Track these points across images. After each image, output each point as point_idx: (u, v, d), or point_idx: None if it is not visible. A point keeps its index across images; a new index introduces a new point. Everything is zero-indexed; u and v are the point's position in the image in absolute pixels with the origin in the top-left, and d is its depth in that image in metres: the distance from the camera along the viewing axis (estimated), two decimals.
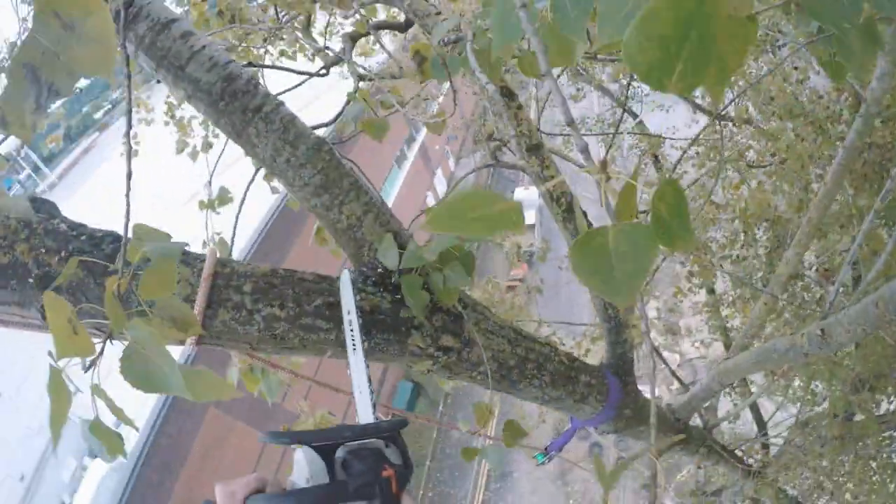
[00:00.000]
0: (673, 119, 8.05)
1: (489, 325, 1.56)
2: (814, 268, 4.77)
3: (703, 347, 8.25)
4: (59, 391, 0.66)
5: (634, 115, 6.97)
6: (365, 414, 1.16)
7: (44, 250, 1.22)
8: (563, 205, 2.34)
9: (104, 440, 0.68)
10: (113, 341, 0.75)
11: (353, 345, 1.21)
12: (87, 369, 0.78)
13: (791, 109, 5.01)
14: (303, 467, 0.88)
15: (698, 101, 6.77)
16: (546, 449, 3.21)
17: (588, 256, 0.56)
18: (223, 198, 2.68)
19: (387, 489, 0.85)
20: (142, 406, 10.42)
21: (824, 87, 5.10)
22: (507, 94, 2.05)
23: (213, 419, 11.17)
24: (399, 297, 1.28)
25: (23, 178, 18.28)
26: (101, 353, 0.80)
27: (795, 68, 5.13)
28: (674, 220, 0.56)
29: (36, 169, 19.32)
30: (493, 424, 15.77)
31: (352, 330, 1.22)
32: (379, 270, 1.31)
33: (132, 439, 10.23)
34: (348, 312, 1.26)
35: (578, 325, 6.70)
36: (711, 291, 7.95)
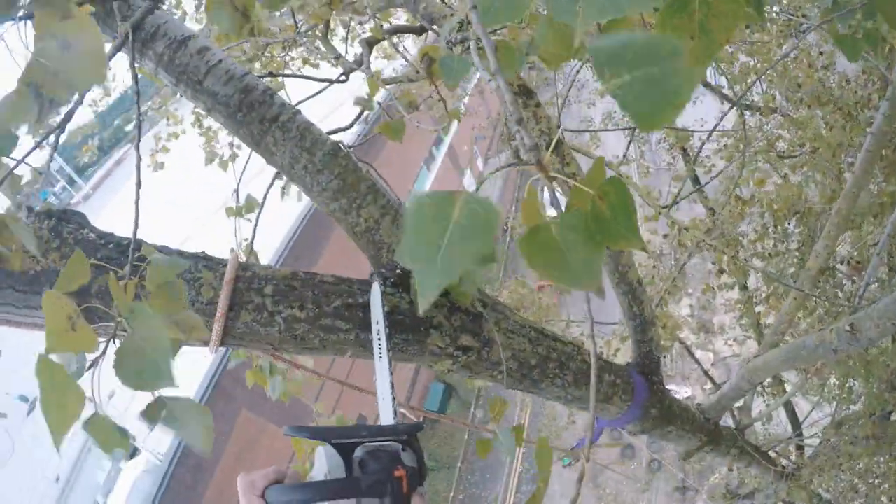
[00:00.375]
0: (701, 111, 7.90)
1: (509, 324, 1.56)
2: (845, 261, 4.65)
3: (736, 345, 8.10)
4: (62, 388, 0.68)
5: None
6: (386, 418, 1.21)
7: None
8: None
9: (103, 436, 0.70)
10: (116, 341, 0.78)
11: (380, 352, 1.25)
12: (89, 367, 0.81)
13: (819, 96, 4.89)
14: (322, 463, 0.92)
15: (725, 91, 6.65)
16: (572, 450, 3.21)
17: (538, 250, 0.57)
18: (250, 205, 2.74)
19: (397, 488, 0.89)
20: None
21: (853, 72, 4.96)
22: (525, 92, 2.05)
23: (246, 421, 11.35)
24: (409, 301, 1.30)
25: (58, 191, 18.85)
26: (104, 353, 0.83)
27: (821, 53, 5.00)
28: (618, 219, 0.57)
29: (70, 181, 19.91)
30: (525, 423, 15.76)
31: (379, 339, 1.25)
32: (398, 271, 1.33)
33: (165, 441, 10.44)
34: (377, 322, 1.30)
35: (607, 324, 6.64)
36: (744, 288, 7.80)
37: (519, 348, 1.58)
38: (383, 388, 1.17)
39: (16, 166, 1.35)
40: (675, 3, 0.69)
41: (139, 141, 0.98)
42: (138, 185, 0.95)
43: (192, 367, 10.83)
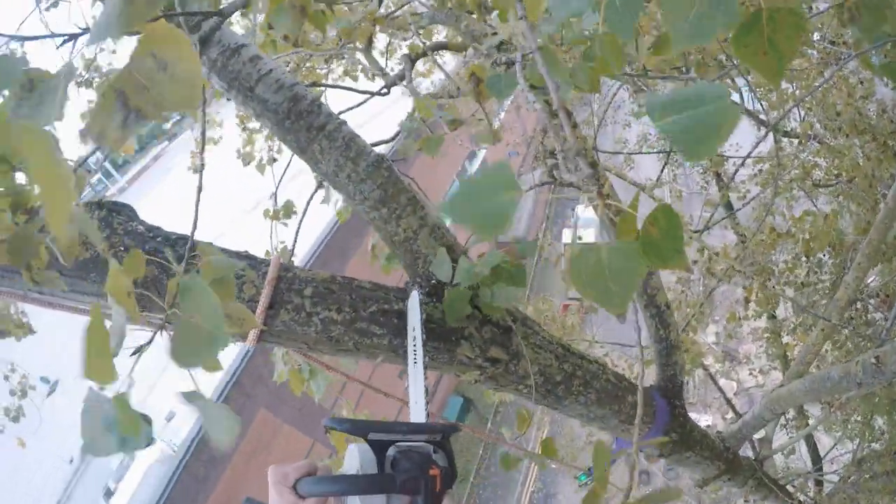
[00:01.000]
0: (737, 136, 7.84)
1: (538, 339, 1.59)
2: (874, 294, 4.56)
3: (760, 376, 7.96)
4: (102, 352, 0.70)
5: None
6: (418, 420, 1.24)
7: (122, 248, 1.33)
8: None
9: (124, 419, 0.72)
10: (164, 332, 0.82)
11: (415, 359, 1.27)
12: (133, 353, 0.85)
13: (856, 124, 4.83)
14: (355, 459, 0.94)
15: (762, 117, 6.58)
16: (589, 469, 3.19)
17: (584, 270, 0.63)
18: (288, 209, 2.82)
19: (431, 487, 0.91)
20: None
21: (891, 101, 4.90)
22: (564, 112, 2.08)
23: (262, 420, 11.46)
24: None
25: (93, 182, 19.35)
26: (151, 341, 0.87)
27: (861, 82, 4.95)
28: (666, 242, 0.62)
29: (107, 174, 20.43)
30: (538, 439, 15.51)
31: (415, 346, 1.28)
32: (433, 282, 1.36)
33: (182, 432, 10.57)
34: (413, 329, 1.33)
35: (631, 346, 6.57)
36: (772, 317, 7.67)
37: (545, 363, 1.61)
38: (416, 393, 1.19)
39: (81, 162, 1.42)
40: (746, 24, 0.77)
41: (202, 151, 1.04)
42: (199, 189, 1.00)
43: (209, 379, 10.98)
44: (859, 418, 8.37)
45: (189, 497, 10.62)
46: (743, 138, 7.61)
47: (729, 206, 7.05)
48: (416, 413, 1.17)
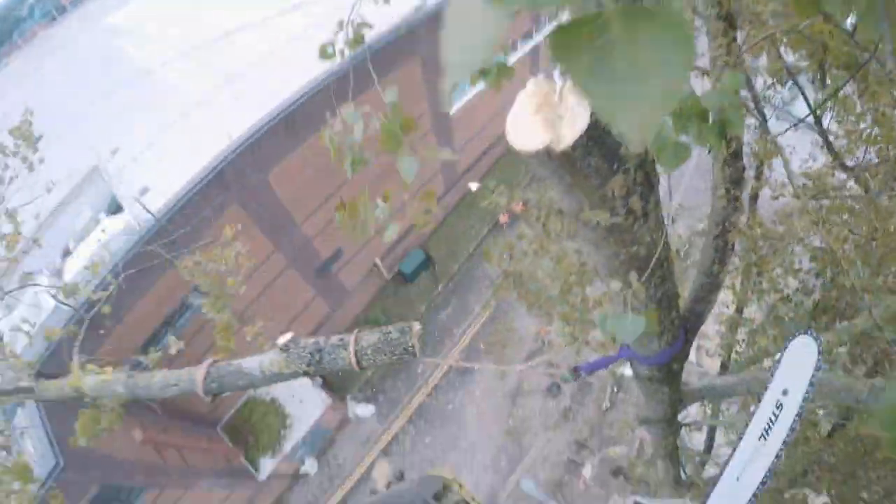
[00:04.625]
0: (795, 142, 7.71)
1: (660, 212, 1.51)
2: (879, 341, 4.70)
3: (706, 356, 8.32)
4: None
5: (764, 118, 6.65)
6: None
7: None
8: (730, 147, 2.23)
9: None
10: None
11: (766, 433, 1.11)
12: None
13: None
14: None
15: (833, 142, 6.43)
16: (575, 368, 3.28)
17: (579, 47, 0.37)
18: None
19: None
20: (171, 183, 10.60)
21: None
22: None
23: (233, 215, 11.43)
24: None
25: None
26: None
27: None
28: None
29: None
30: (477, 327, 16.03)
31: (776, 415, 1.10)
32: None
33: (154, 204, 10.48)
34: (784, 392, 1.15)
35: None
36: (740, 311, 7.90)
37: (654, 240, 1.55)
38: (746, 480, 1.03)
39: None
40: None
41: None
42: None
43: (198, 150, 10.73)
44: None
45: (141, 273, 10.70)
46: (801, 149, 7.44)
47: (754, 199, 7.00)
48: (720, 496, 1.01)
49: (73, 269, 10.67)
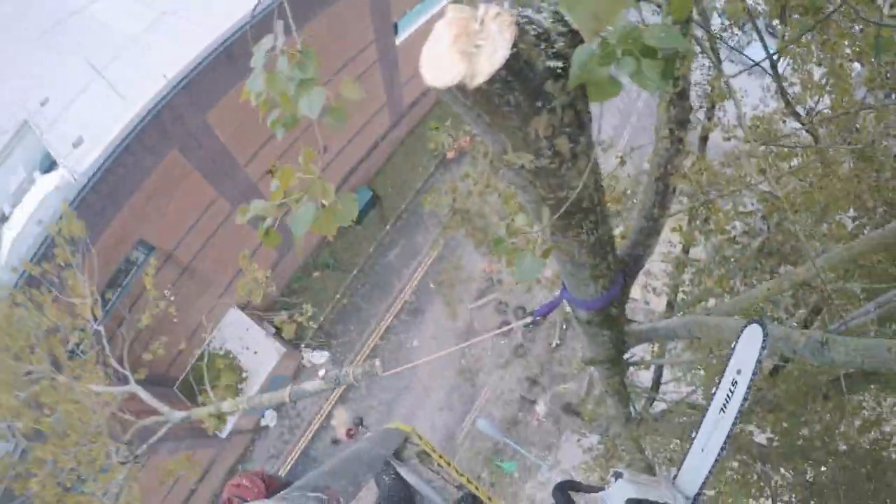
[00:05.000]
0: (747, 86, 7.74)
1: (592, 154, 1.41)
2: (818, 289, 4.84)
3: (652, 294, 8.52)
4: None
5: (718, 60, 6.60)
6: (691, 477, 1.40)
7: None
8: (677, 86, 2.14)
9: None
10: None
11: (725, 406, 1.26)
12: None
13: (863, 150, 4.85)
14: None
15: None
16: (532, 314, 3.25)
17: None
18: None
19: None
20: (106, 131, 10.01)
21: None
22: None
23: (172, 161, 10.90)
24: (558, 67, 1.09)
25: None
26: None
27: None
28: None
29: None
30: (427, 266, 16.12)
31: (732, 391, 1.26)
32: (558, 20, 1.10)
33: (86, 161, 9.90)
34: (738, 371, 1.32)
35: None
36: (686, 251, 8.06)
37: (586, 183, 1.45)
38: (711, 446, 1.22)
39: None
40: None
41: None
42: None
43: (132, 94, 10.10)
44: (702, 373, 9.43)
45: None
46: (755, 94, 7.45)
47: (704, 141, 7.04)
48: (693, 466, 1.25)
49: (10, 235, 10.07)
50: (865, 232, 5.17)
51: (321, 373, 4.15)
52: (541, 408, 15.55)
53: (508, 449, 15.15)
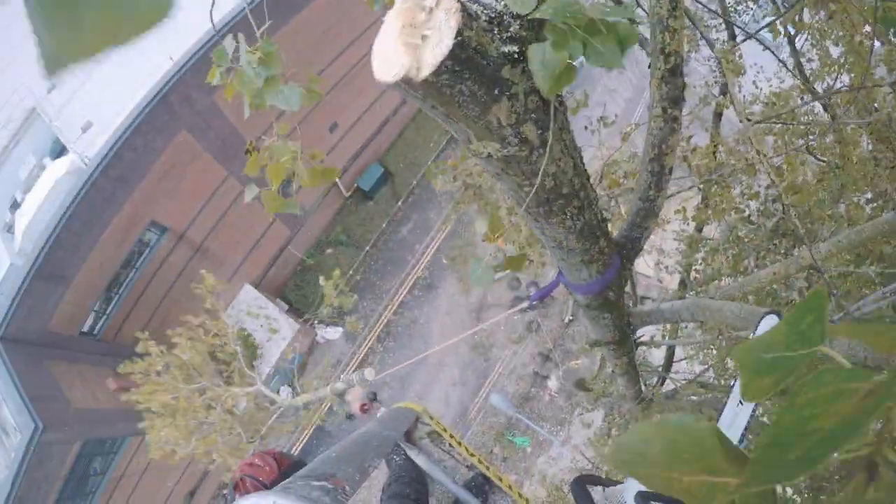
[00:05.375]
0: (764, 61, 7.48)
1: (568, 139, 1.34)
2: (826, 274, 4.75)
3: (665, 273, 8.41)
4: None
5: (733, 37, 6.37)
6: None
7: None
8: (669, 63, 2.05)
9: None
10: None
11: (741, 402, 1.28)
12: None
13: (881, 130, 4.67)
14: None
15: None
16: (528, 298, 3.22)
17: None
18: None
19: None
20: (115, 115, 10.03)
21: None
22: None
23: (182, 143, 10.93)
24: (513, 51, 1.03)
25: None
26: None
27: None
28: None
29: None
30: (439, 241, 16.18)
31: None
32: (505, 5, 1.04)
33: (96, 145, 9.96)
34: None
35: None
36: (700, 230, 7.93)
37: (562, 169, 1.39)
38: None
39: None
40: None
41: None
42: None
43: (139, 77, 10.07)
44: (715, 352, 9.34)
45: (95, 213, 10.28)
46: (768, 67, 7.23)
47: (718, 117, 6.87)
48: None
49: (22, 222, 10.21)
50: (882, 215, 5.04)
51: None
52: (553, 383, 15.58)
53: (521, 424, 15.23)
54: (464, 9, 0.95)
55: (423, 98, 1.03)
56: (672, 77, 2.08)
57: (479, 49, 0.99)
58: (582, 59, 1.02)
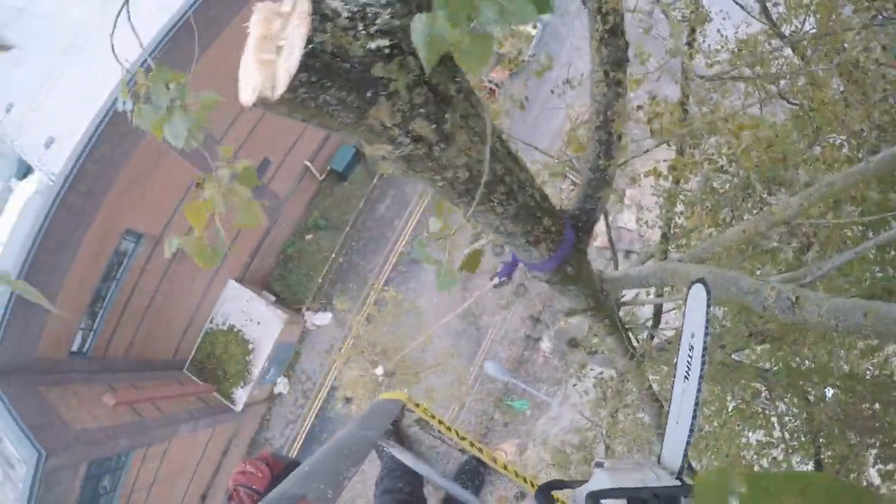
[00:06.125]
0: (730, 7, 7.29)
1: (478, 125, 1.23)
2: (802, 225, 4.67)
3: (646, 227, 8.38)
4: None
5: None
6: (672, 452, 1.40)
7: None
8: (608, 23, 1.92)
9: None
10: None
11: (688, 373, 1.25)
12: None
13: (851, 72, 4.57)
14: None
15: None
16: (491, 277, 3.14)
17: None
18: None
19: None
20: (75, 127, 9.72)
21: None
22: None
23: (147, 147, 10.63)
24: (384, 46, 0.91)
25: None
26: None
27: (884, 48, 4.63)
28: None
29: None
30: (418, 214, 16.06)
31: (690, 356, 1.25)
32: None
33: (60, 161, 9.69)
34: (692, 335, 1.30)
35: (549, 155, 6.44)
36: (677, 182, 7.88)
37: (477, 157, 1.28)
38: (683, 415, 1.21)
39: None
40: None
41: None
42: None
43: (96, 86, 9.73)
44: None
45: (68, 230, 10.01)
46: (737, 14, 7.07)
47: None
48: (673, 441, 1.28)
49: None
50: (860, 156, 4.95)
51: None
52: (546, 345, 15.64)
53: (518, 388, 15.34)
54: (316, 11, 0.83)
55: (289, 114, 0.92)
56: (612, 38, 1.96)
57: (338, 52, 0.87)
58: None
